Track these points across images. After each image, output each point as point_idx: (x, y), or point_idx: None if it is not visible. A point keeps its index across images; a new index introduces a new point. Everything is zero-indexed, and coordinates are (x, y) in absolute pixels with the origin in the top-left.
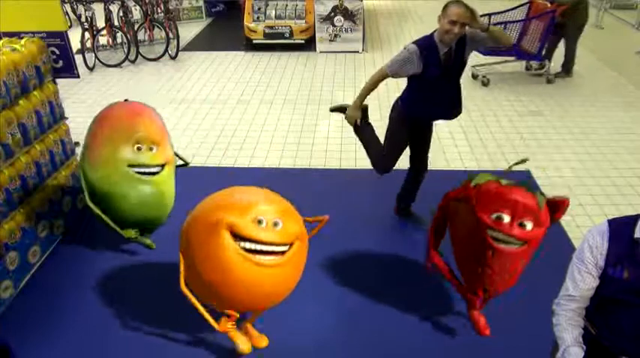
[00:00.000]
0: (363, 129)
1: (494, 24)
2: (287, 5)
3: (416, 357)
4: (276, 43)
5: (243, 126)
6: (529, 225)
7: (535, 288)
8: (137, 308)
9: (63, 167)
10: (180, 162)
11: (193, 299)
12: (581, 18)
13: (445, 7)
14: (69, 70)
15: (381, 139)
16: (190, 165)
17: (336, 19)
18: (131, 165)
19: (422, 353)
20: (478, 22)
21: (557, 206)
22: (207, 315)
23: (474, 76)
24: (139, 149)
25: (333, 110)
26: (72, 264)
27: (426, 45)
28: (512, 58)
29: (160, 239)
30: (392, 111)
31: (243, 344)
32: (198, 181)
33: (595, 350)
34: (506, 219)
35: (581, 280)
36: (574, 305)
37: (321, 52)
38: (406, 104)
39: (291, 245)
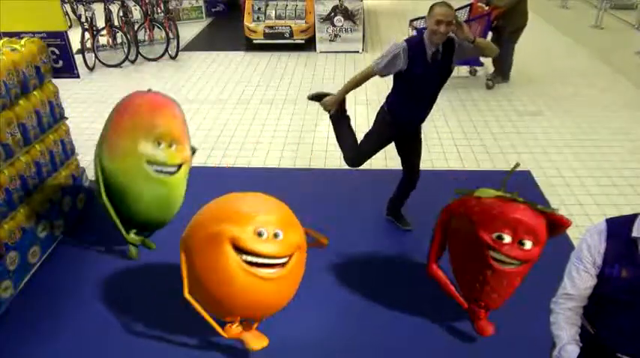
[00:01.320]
0: (338, 120)
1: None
2: (287, 5)
3: (416, 357)
4: (276, 43)
5: (243, 126)
6: (528, 244)
7: (535, 287)
8: (137, 308)
9: (63, 167)
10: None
11: (198, 307)
12: (518, 22)
13: (430, 9)
14: (69, 70)
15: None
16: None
17: (336, 19)
18: (150, 162)
19: (422, 352)
20: (464, 32)
21: (558, 224)
22: (213, 322)
23: None
24: (159, 144)
25: (311, 98)
26: (72, 264)
27: (414, 42)
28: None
29: (159, 239)
30: (377, 113)
31: (254, 343)
32: (198, 181)
33: (593, 349)
34: (507, 239)
35: (579, 279)
36: (572, 304)
37: (321, 52)
38: (389, 104)
39: (291, 256)
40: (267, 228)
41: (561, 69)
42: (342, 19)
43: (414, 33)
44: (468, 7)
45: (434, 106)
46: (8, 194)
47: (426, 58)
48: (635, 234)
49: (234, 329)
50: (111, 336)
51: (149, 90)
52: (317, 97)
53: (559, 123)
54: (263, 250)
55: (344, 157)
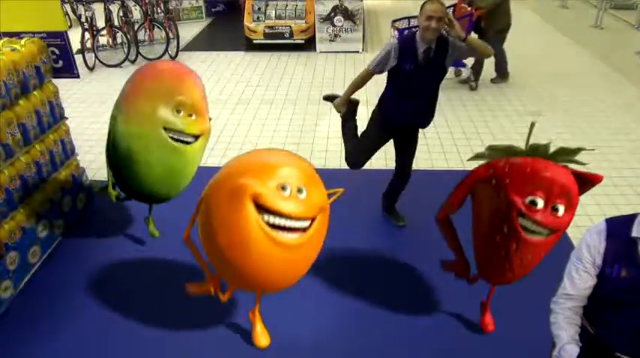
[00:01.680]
0: (347, 122)
1: (413, 27)
2: (287, 5)
3: (416, 357)
4: (276, 43)
5: (244, 126)
6: (561, 210)
7: (535, 287)
8: (137, 308)
9: (63, 167)
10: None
11: (197, 253)
12: (501, 22)
13: (422, 6)
14: (69, 70)
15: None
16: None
17: (336, 19)
18: (167, 129)
19: (422, 352)
20: (455, 30)
21: (588, 180)
22: (209, 273)
23: None
24: (178, 112)
25: (325, 98)
26: (72, 263)
27: (405, 40)
28: None
29: (159, 239)
30: (372, 112)
31: (262, 339)
32: (198, 181)
33: (593, 349)
34: (540, 203)
35: (579, 279)
36: (571, 304)
37: (321, 52)
38: (379, 101)
39: (313, 219)
40: (291, 181)
41: (561, 69)
42: (342, 19)
43: (396, 34)
44: (452, 8)
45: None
46: (8, 194)
47: (416, 56)
48: (634, 233)
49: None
50: (111, 336)
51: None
52: (330, 98)
53: (559, 123)
54: (286, 209)
55: (345, 158)
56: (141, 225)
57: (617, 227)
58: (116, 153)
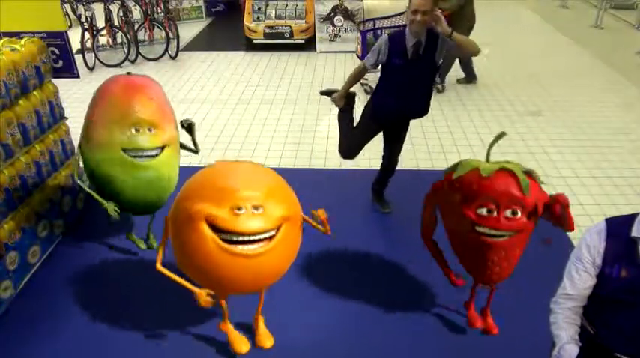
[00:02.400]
0: (343, 115)
1: (378, 29)
2: (287, 5)
3: (417, 356)
4: (276, 43)
5: (243, 126)
6: (518, 213)
7: (535, 287)
8: (137, 308)
9: (63, 167)
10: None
11: (172, 275)
12: (465, 24)
13: (409, 1)
14: (69, 70)
15: None
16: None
17: (336, 19)
18: (126, 150)
19: (423, 352)
20: (442, 26)
21: (554, 201)
22: (188, 285)
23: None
24: (137, 131)
25: (322, 93)
26: (72, 263)
27: (396, 34)
28: None
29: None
30: (365, 106)
31: (238, 345)
32: None
33: (593, 348)
34: (494, 212)
35: (579, 278)
36: (571, 304)
37: (321, 52)
38: (373, 94)
39: (278, 228)
40: (247, 203)
41: (561, 69)
42: (342, 19)
43: (359, 36)
44: None
45: (432, 106)
46: (8, 194)
47: (405, 51)
48: (634, 233)
49: (229, 326)
50: (111, 336)
51: (128, 74)
52: (328, 93)
53: (559, 123)
54: (240, 228)
55: (338, 149)
56: (140, 225)
57: (616, 227)
58: (93, 176)
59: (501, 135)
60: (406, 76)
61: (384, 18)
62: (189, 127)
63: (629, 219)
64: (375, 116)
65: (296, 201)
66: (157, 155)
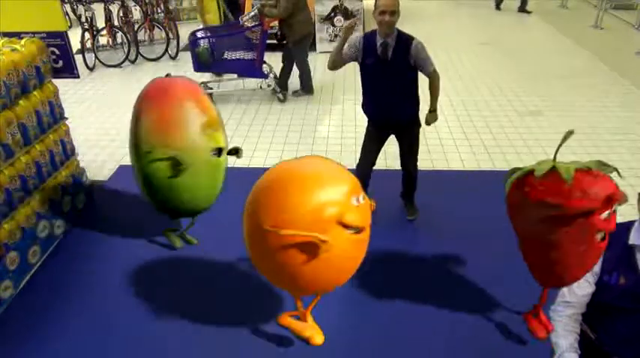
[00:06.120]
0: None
1: (210, 36)
2: None
3: (417, 356)
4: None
5: (244, 126)
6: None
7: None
8: (137, 308)
9: (63, 167)
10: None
11: (290, 231)
12: (300, 30)
13: (375, 1)
14: (69, 70)
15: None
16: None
17: (336, 19)
18: (211, 150)
19: (423, 352)
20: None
21: None
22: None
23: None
24: (212, 131)
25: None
26: (72, 264)
27: (368, 34)
28: (235, 75)
29: (160, 239)
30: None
31: (315, 336)
32: None
33: (593, 354)
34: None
35: (578, 287)
36: (570, 312)
37: (321, 52)
38: (362, 102)
39: None
40: (360, 193)
41: (561, 69)
42: (342, 19)
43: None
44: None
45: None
46: (8, 194)
47: (375, 50)
48: (632, 241)
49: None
50: (111, 336)
51: (168, 75)
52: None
53: (559, 123)
54: (362, 223)
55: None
56: (140, 225)
57: (614, 235)
58: (157, 184)
59: (570, 133)
60: (378, 77)
61: (216, 28)
62: (236, 152)
63: (626, 227)
64: (369, 120)
65: None
66: (220, 153)
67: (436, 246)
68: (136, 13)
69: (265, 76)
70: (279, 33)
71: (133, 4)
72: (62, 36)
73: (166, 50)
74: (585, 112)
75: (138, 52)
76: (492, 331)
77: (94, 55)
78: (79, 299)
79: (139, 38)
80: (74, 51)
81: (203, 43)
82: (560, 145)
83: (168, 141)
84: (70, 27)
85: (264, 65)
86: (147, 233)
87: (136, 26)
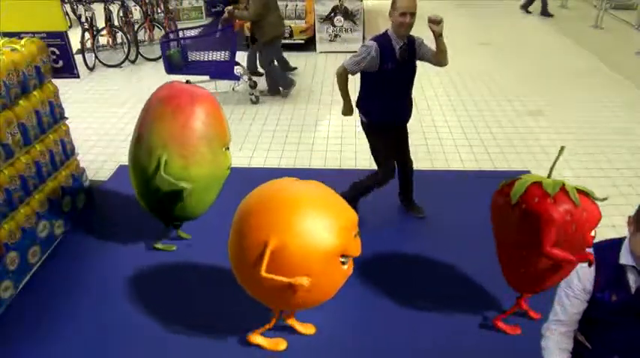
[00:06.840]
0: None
1: (183, 38)
2: (287, 5)
3: (417, 356)
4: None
5: (244, 125)
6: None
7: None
8: (137, 308)
9: (63, 167)
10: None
11: (281, 278)
12: (270, 32)
13: (393, 2)
14: (69, 70)
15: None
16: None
17: (336, 19)
18: (227, 168)
19: (423, 352)
20: (439, 27)
21: None
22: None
23: None
24: (226, 149)
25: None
26: (72, 264)
27: (382, 40)
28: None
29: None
30: (361, 125)
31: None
32: None
33: None
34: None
35: (570, 305)
36: (563, 329)
37: (321, 52)
38: (360, 106)
39: None
40: (356, 228)
41: (561, 69)
42: (342, 19)
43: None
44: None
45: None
46: (8, 194)
47: (394, 54)
48: (622, 260)
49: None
50: (111, 336)
51: (187, 82)
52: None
53: (559, 123)
54: (357, 252)
55: (378, 185)
56: (140, 225)
57: (605, 254)
58: (162, 191)
59: (562, 149)
60: (396, 79)
61: (193, 28)
62: None
63: (616, 245)
64: (373, 124)
65: None
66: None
67: (436, 245)
68: (136, 13)
69: (237, 78)
70: (249, 34)
71: (133, 4)
72: (62, 36)
73: None
74: (585, 112)
75: (138, 52)
76: (492, 331)
77: (94, 55)
78: (79, 299)
79: (139, 38)
80: (74, 51)
81: (174, 46)
82: (554, 162)
83: (185, 153)
84: (70, 27)
85: (237, 67)
86: (146, 233)
87: (136, 26)
